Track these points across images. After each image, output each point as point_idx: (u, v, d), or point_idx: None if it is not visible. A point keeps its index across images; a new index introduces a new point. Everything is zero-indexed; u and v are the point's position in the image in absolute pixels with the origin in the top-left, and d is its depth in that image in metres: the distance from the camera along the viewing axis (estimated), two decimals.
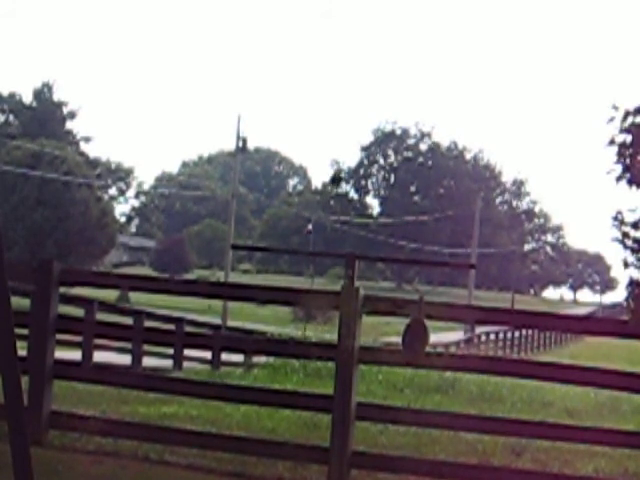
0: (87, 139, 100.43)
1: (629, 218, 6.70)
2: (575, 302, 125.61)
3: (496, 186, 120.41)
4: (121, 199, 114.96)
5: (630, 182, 6.66)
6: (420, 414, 8.07)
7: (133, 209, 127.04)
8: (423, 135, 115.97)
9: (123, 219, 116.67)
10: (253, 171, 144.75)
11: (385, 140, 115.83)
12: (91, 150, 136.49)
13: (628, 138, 6.66)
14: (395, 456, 7.68)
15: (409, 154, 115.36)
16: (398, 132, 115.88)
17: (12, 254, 57.83)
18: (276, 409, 9.64)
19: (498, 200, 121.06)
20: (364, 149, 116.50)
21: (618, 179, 6.69)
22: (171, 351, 20.27)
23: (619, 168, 6.71)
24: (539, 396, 15.77)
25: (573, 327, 10.53)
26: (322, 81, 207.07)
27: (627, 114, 6.63)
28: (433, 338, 7.75)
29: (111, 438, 7.94)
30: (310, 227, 77.80)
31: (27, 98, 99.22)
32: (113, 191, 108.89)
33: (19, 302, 8.82)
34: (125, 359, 18.23)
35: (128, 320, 18.24)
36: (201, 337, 13.63)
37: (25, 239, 63.27)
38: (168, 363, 20.45)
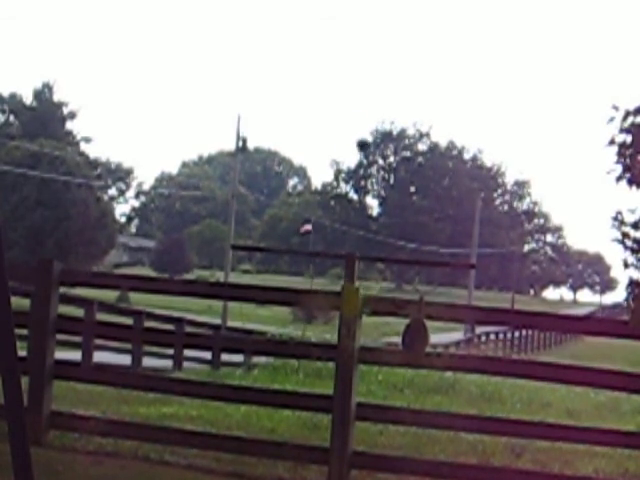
0: (87, 139, 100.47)
1: (629, 218, 6.71)
2: (575, 302, 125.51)
3: (496, 186, 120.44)
4: (121, 199, 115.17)
5: (630, 182, 6.66)
6: (420, 414, 8.06)
7: (133, 209, 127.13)
8: (422, 135, 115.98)
9: (123, 219, 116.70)
10: (253, 171, 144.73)
11: (384, 140, 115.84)
12: (91, 150, 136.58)
13: (628, 138, 6.66)
14: (395, 456, 7.67)
15: (408, 154, 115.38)
16: (396, 132, 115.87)
17: (12, 254, 57.80)
18: (276, 409, 9.64)
19: (498, 200, 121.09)
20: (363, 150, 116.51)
21: (618, 179, 6.70)
22: (171, 351, 20.27)
23: (619, 168, 6.71)
24: (539, 396, 15.76)
25: (573, 327, 10.53)
26: (322, 82, 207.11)
27: (627, 114, 6.64)
28: (433, 338, 7.75)
29: (111, 438, 7.94)
30: (308, 227, 77.29)
31: (27, 98, 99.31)
32: (113, 191, 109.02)
33: (19, 302, 8.83)
34: (123, 359, 18.23)
35: (128, 320, 18.24)
36: (201, 337, 13.63)
37: (25, 239, 63.25)
38: (168, 363, 20.46)
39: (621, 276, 7.20)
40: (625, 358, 31.39)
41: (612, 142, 6.69)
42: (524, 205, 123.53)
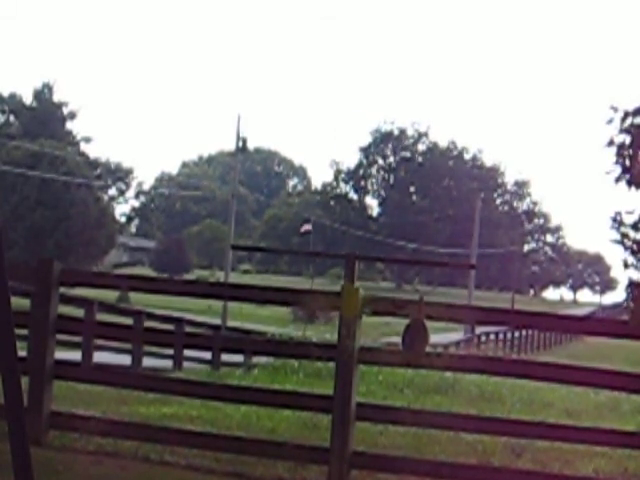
0: (87, 139, 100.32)
1: (627, 219, 6.71)
2: (575, 302, 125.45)
3: (496, 187, 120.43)
4: (121, 199, 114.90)
5: (629, 183, 6.67)
6: (420, 414, 8.06)
7: (133, 209, 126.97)
8: (420, 135, 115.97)
9: (123, 219, 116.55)
10: (253, 171, 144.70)
11: (384, 140, 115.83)
12: (91, 150, 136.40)
13: (627, 139, 6.67)
14: (395, 456, 7.68)
15: (407, 154, 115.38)
16: (396, 132, 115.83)
17: (12, 254, 57.79)
18: (276, 409, 9.64)
19: (498, 200, 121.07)
20: (363, 150, 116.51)
21: (617, 180, 6.70)
22: (171, 351, 20.26)
23: (618, 169, 6.72)
24: (539, 396, 15.76)
25: (573, 327, 10.53)
26: (321, 82, 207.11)
27: (626, 115, 6.64)
28: (433, 339, 7.75)
29: (111, 438, 7.94)
30: (308, 227, 77.14)
31: (27, 98, 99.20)
32: (113, 191, 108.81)
33: (19, 302, 8.83)
34: (123, 359, 18.21)
35: (128, 320, 18.23)
36: (201, 337, 13.63)
37: (25, 239, 63.25)
38: (168, 363, 20.45)
39: (621, 276, 7.22)
40: (625, 358, 31.40)
41: (611, 143, 6.70)
42: (524, 205, 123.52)
